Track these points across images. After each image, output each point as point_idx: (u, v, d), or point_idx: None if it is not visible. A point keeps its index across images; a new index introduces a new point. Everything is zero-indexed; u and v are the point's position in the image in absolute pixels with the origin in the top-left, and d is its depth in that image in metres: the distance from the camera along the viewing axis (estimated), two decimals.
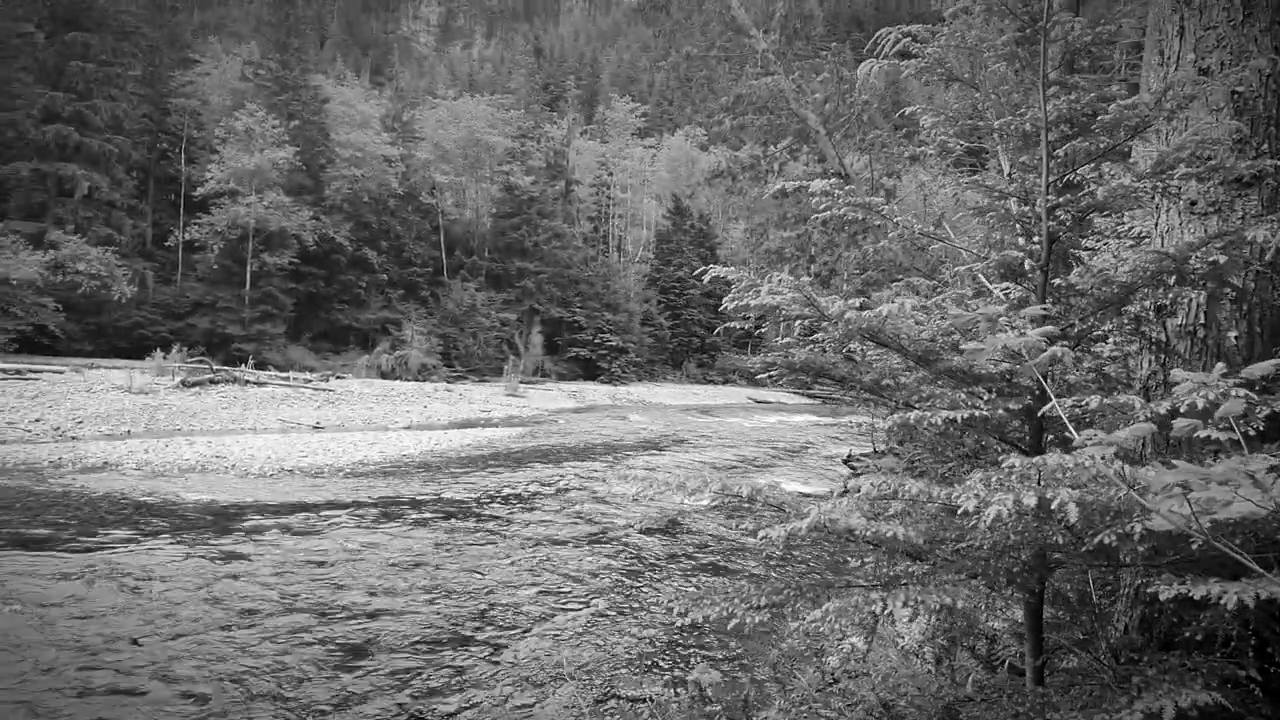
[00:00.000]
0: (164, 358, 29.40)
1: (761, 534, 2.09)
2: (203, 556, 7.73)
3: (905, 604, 1.95)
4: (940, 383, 2.71)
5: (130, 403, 21.13)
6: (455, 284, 52.73)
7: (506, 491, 12.26)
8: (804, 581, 2.23)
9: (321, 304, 47.68)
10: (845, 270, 13.83)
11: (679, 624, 5.14)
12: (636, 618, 6.44)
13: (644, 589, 7.30)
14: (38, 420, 17.41)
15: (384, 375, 42.11)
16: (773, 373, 2.83)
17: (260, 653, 5.37)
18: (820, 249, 15.71)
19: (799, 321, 2.69)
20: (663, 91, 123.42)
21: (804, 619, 2.08)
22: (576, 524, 10.04)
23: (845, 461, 13.20)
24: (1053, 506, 1.70)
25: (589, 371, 54.49)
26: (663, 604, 6.73)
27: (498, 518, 10.23)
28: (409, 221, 52.14)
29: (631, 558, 8.42)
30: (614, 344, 54.96)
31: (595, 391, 44.98)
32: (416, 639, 5.78)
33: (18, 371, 25.54)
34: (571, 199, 65.27)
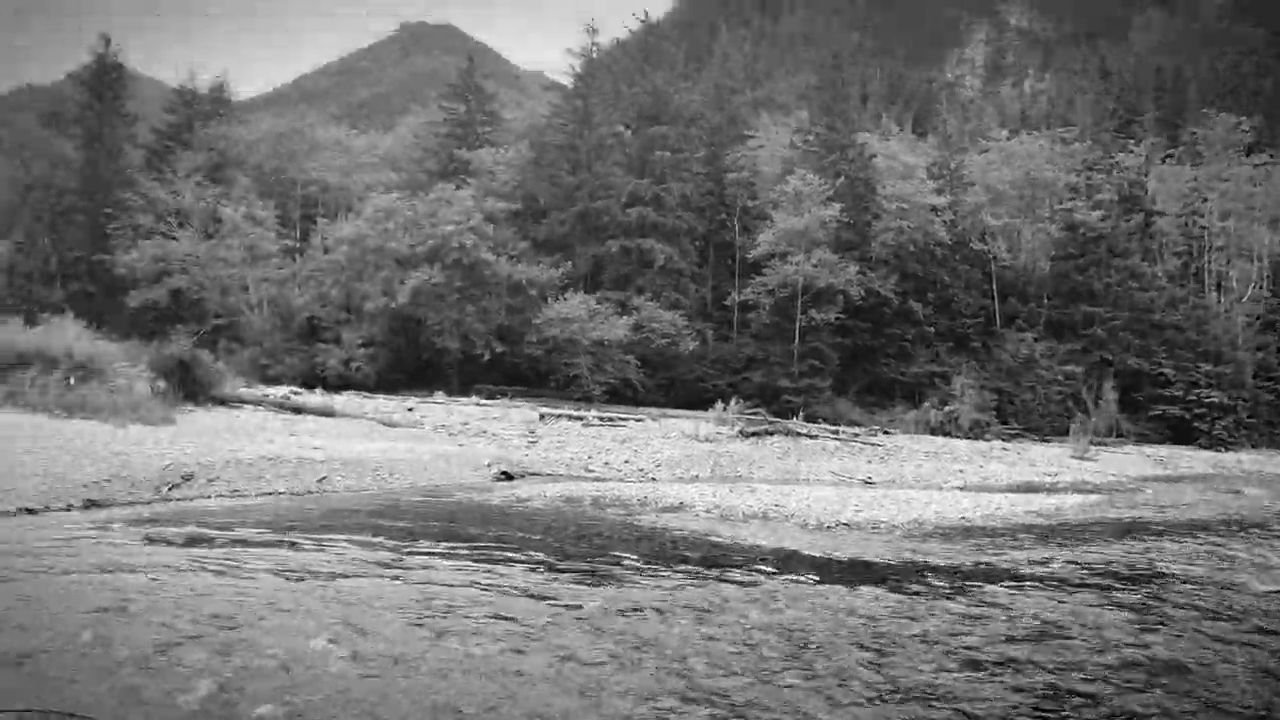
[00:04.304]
0: (723, 409, 31.00)
1: None
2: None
3: None
4: None
5: (696, 449, 22.84)
6: (1009, 334, 48.50)
7: (1100, 569, 9.39)
8: None
9: (866, 357, 47.27)
10: None
11: None
12: None
13: None
14: (626, 462, 20.34)
15: (932, 431, 39.99)
16: None
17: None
18: None
19: None
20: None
21: None
22: (1238, 624, 6.98)
23: None
24: None
25: (1180, 434, 45.56)
26: None
27: (1115, 603, 7.58)
28: (957, 270, 49.58)
29: None
30: (1214, 400, 45.29)
31: (1189, 458, 37.28)
32: None
33: (610, 419, 30.26)
34: (1151, 233, 56.25)
